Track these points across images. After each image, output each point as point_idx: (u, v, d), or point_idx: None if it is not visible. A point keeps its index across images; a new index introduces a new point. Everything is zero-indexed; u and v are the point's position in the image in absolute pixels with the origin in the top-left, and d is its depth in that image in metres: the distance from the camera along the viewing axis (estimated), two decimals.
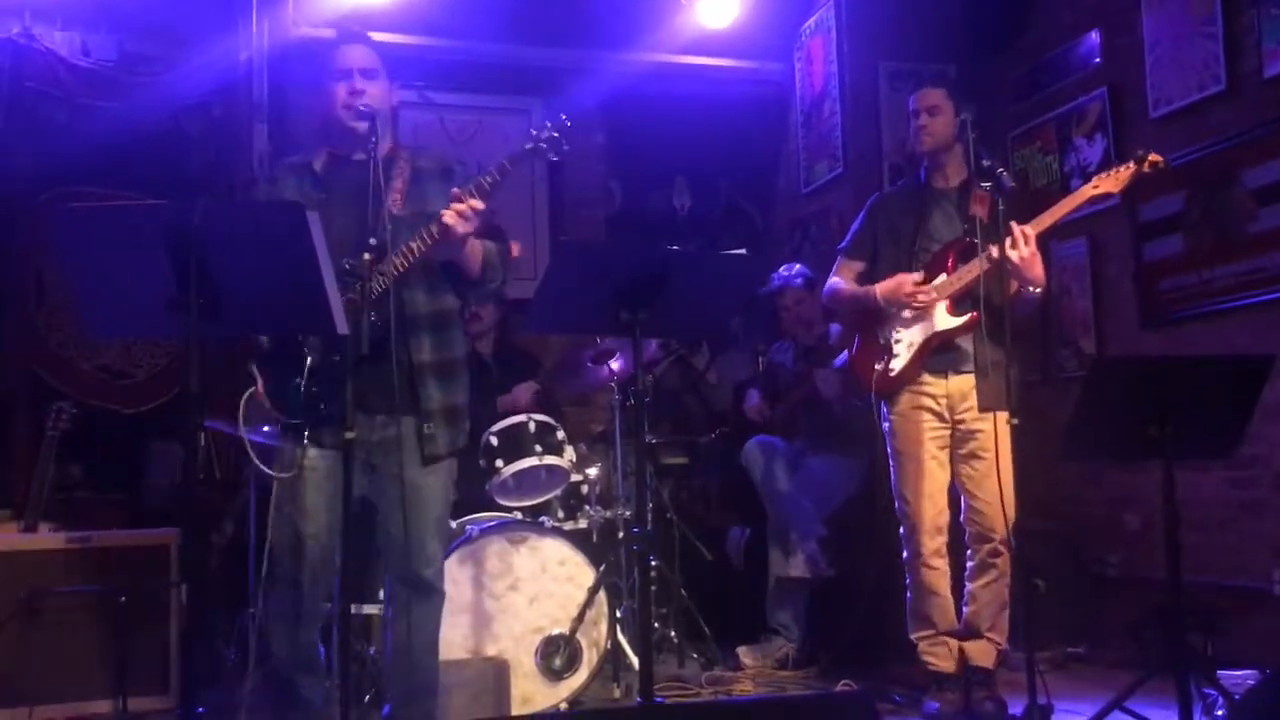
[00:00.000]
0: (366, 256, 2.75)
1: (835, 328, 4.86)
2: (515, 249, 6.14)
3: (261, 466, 2.96)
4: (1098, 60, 5.01)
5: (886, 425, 3.85)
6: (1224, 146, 4.34)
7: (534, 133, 2.95)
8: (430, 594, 3.09)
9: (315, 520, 2.93)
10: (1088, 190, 3.58)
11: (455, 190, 2.89)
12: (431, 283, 3.04)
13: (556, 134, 2.92)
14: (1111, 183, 3.54)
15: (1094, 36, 5.03)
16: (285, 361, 2.90)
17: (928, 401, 3.75)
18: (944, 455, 3.76)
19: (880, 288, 3.79)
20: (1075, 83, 5.13)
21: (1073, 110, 5.12)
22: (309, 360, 2.88)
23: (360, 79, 3.00)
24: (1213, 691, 3.18)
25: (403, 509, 2.96)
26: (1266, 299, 4.17)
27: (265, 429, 3.12)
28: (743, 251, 3.61)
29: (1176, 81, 4.55)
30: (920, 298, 3.71)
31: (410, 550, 3.00)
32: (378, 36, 3.28)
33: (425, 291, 3.03)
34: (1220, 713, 3.14)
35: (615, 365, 4.55)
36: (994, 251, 3.49)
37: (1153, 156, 3.49)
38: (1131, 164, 3.51)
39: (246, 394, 2.92)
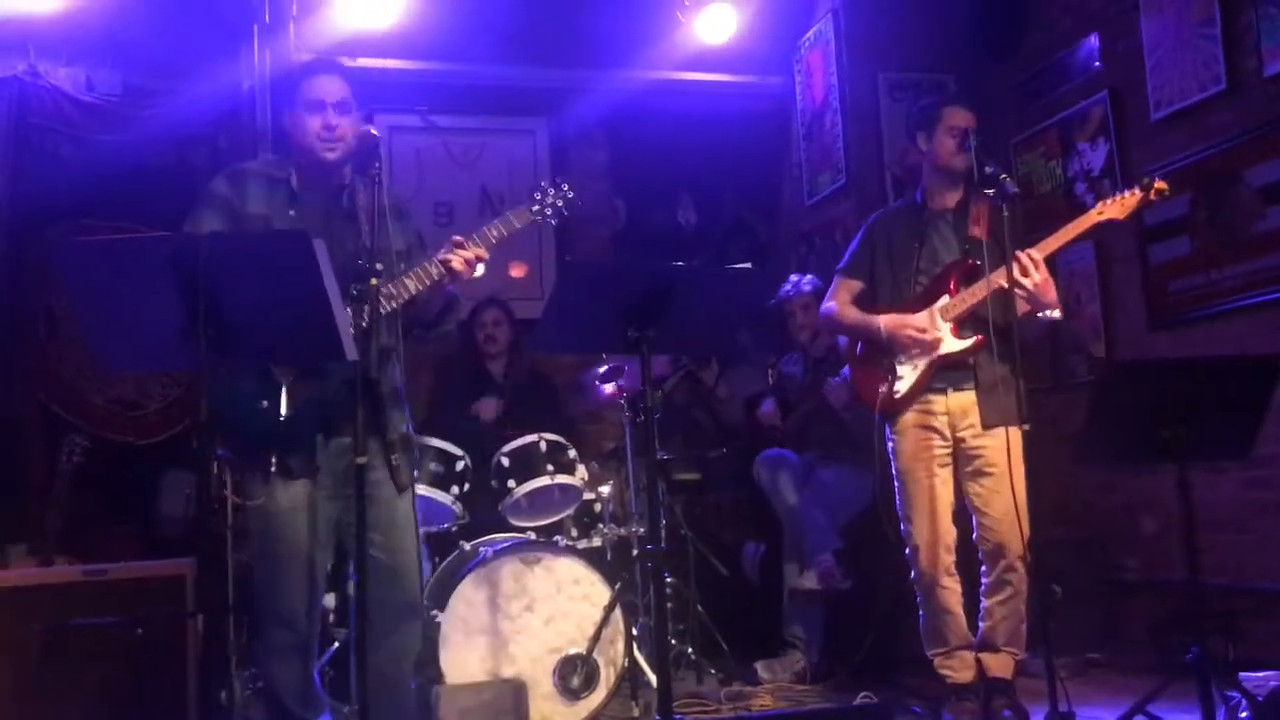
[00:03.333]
0: (374, 281, 2.76)
1: (844, 340, 4.85)
2: (520, 270, 6.21)
3: (231, 495, 2.95)
4: (1098, 64, 5.02)
5: (890, 446, 3.83)
6: (1227, 146, 4.34)
7: (538, 196, 3.07)
8: (414, 617, 3.07)
9: (286, 550, 2.91)
10: (1093, 216, 3.56)
11: (459, 238, 2.93)
12: (389, 318, 3.01)
13: (560, 203, 3.05)
14: (1117, 209, 3.52)
15: (1093, 40, 5.03)
16: (242, 385, 2.83)
17: (930, 419, 3.73)
18: (946, 473, 3.74)
19: (885, 323, 3.76)
20: (1076, 87, 5.13)
21: (1074, 115, 5.12)
22: (285, 384, 2.83)
23: (334, 113, 2.98)
24: (1235, 694, 3.15)
25: (389, 531, 2.95)
26: (1275, 297, 4.16)
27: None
28: (748, 265, 3.62)
29: (1177, 83, 4.55)
30: (926, 338, 3.68)
31: (399, 572, 2.97)
32: (381, 62, 3.30)
33: (384, 325, 2.99)
34: (1244, 715, 3.11)
35: (625, 383, 4.55)
36: (1002, 276, 3.45)
37: (1158, 184, 3.48)
38: (1138, 190, 3.51)
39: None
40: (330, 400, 2.83)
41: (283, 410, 2.82)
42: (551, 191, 3.08)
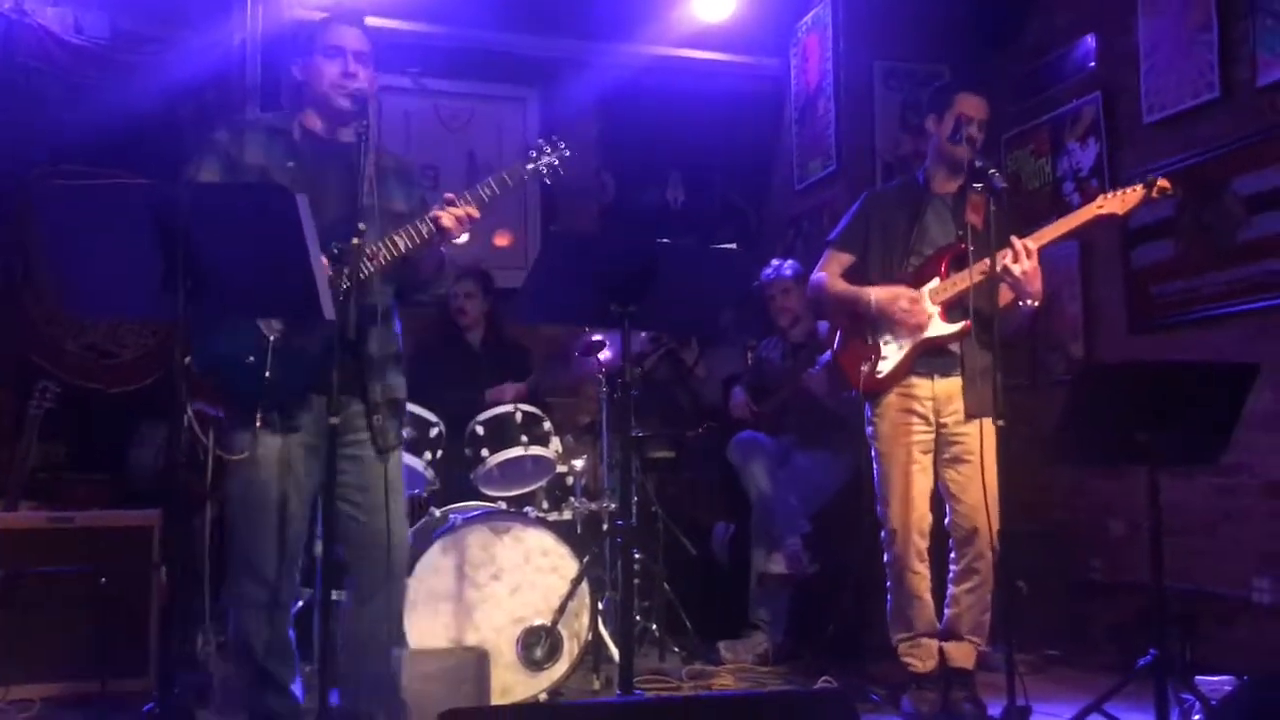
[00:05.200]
0: (355, 241, 2.74)
1: (825, 325, 4.86)
2: (505, 239, 6.17)
3: (215, 448, 2.95)
4: (1093, 64, 5.02)
5: (870, 429, 3.83)
6: (1216, 154, 4.35)
7: (534, 154, 3.03)
8: (396, 580, 3.07)
9: (268, 504, 2.90)
10: (1092, 209, 3.55)
11: (450, 195, 2.90)
12: (383, 277, 3.01)
13: (557, 161, 3.01)
14: (1117, 204, 3.52)
15: (1090, 40, 5.03)
16: (228, 337, 2.83)
17: (913, 404, 3.73)
18: (927, 459, 3.75)
19: (876, 295, 3.74)
20: (1070, 86, 5.13)
21: (1067, 114, 5.12)
22: (271, 340, 2.83)
23: (354, 61, 2.99)
24: (1190, 697, 3.19)
25: (369, 493, 2.96)
26: (1255, 307, 4.19)
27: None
28: (733, 246, 3.61)
29: (1171, 88, 4.55)
30: (915, 315, 3.69)
31: (378, 536, 2.97)
32: (374, 21, 3.29)
33: (379, 284, 2.99)
34: (1197, 717, 3.15)
35: (604, 357, 4.54)
36: (995, 262, 3.46)
37: (1161, 183, 3.47)
38: (1140, 188, 3.49)
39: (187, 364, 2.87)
40: (315, 358, 2.81)
41: (267, 366, 2.80)
42: (547, 149, 3.04)
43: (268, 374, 2.80)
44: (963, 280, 3.63)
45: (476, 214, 2.89)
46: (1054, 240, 3.60)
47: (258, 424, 2.86)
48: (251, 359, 2.81)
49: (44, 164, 4.97)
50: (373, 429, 2.98)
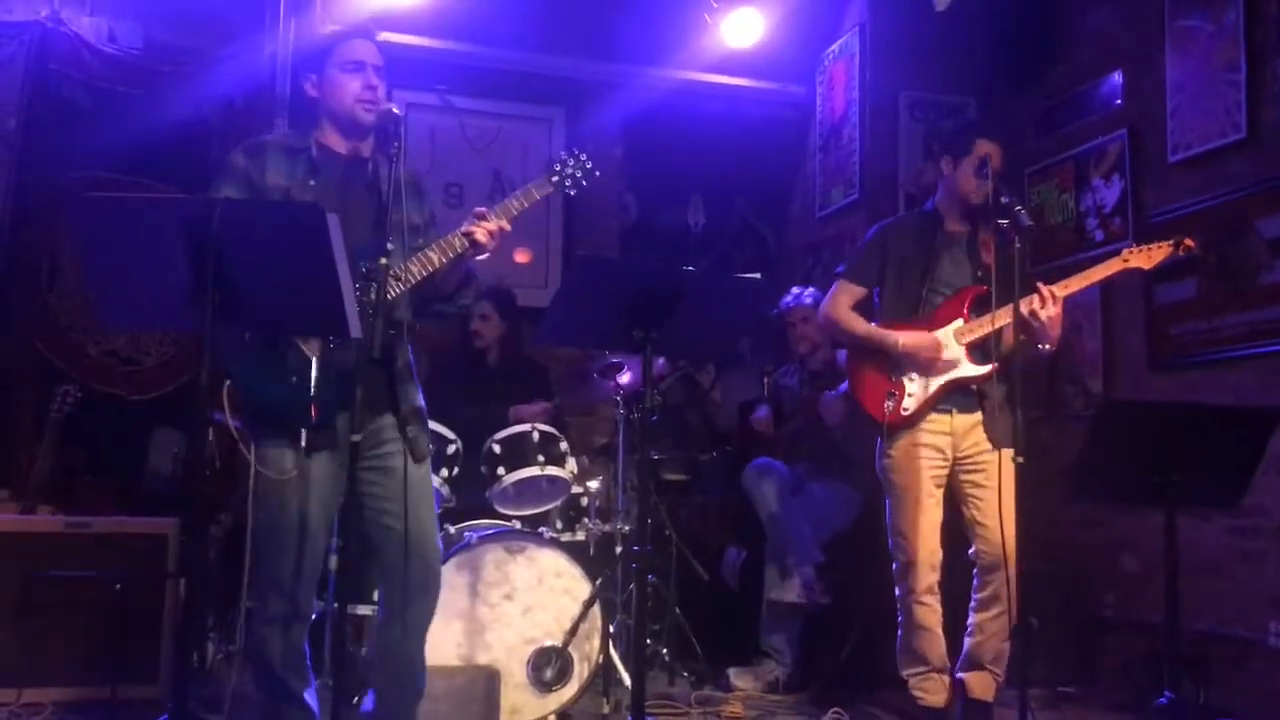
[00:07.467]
0: (383, 261, 2.75)
1: (843, 355, 4.85)
2: (525, 256, 6.19)
3: (261, 469, 2.91)
4: (1119, 101, 5.02)
5: (885, 461, 3.82)
6: (1240, 195, 4.34)
7: (558, 166, 3.07)
8: (431, 590, 3.06)
9: (305, 523, 2.91)
10: (1117, 263, 3.62)
11: (481, 210, 2.94)
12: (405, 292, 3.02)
13: (579, 173, 3.05)
14: (1143, 259, 3.58)
15: (1116, 77, 5.04)
16: (269, 358, 2.85)
17: (931, 438, 3.73)
18: (940, 493, 3.74)
19: (904, 340, 3.72)
20: (1096, 122, 5.14)
21: (1091, 150, 5.12)
22: (314, 361, 2.84)
23: (374, 75, 3.00)
24: None
25: (405, 503, 2.95)
26: (1275, 349, 4.17)
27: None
28: (757, 275, 3.61)
29: (1197, 127, 4.55)
30: (945, 356, 3.69)
31: (415, 543, 2.97)
32: (405, 38, 3.31)
33: (406, 300, 3.01)
34: None
35: (623, 379, 4.55)
36: (1023, 305, 3.48)
37: (1187, 241, 3.55)
38: (1168, 246, 3.57)
39: (226, 384, 2.87)
40: (349, 376, 2.79)
41: (312, 385, 2.82)
42: (571, 161, 3.09)
43: (312, 393, 2.81)
44: (988, 322, 3.62)
45: (508, 227, 2.94)
46: (1079, 290, 3.64)
47: (302, 444, 2.87)
48: (294, 379, 2.83)
49: (74, 170, 5.00)
50: (407, 438, 2.99)
